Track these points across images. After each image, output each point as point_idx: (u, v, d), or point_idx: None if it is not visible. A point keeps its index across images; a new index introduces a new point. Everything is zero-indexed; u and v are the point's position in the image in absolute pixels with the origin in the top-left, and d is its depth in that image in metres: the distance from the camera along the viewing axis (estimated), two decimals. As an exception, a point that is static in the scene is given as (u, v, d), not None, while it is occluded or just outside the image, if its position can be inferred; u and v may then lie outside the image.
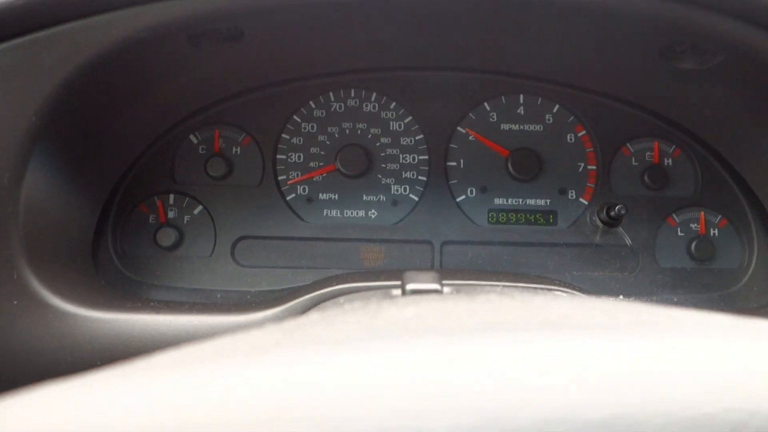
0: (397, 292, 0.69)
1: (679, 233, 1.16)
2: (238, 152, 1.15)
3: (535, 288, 0.86)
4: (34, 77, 0.76)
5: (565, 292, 0.87)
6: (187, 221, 1.11)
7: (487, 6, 0.89)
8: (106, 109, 0.90)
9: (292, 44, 1.00)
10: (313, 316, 0.44)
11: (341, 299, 0.77)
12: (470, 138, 1.17)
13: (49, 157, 0.82)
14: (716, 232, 1.16)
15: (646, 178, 1.16)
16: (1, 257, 0.77)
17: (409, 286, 0.63)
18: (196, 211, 1.12)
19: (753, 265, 1.13)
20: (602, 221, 1.13)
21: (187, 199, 1.12)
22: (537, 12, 0.89)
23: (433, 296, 0.48)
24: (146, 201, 1.11)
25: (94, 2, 0.75)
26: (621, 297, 1.10)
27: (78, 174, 0.91)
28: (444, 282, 0.70)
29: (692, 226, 1.16)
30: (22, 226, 0.78)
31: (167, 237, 1.09)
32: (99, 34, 0.76)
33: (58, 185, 0.86)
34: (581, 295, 0.81)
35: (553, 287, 0.87)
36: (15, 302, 0.78)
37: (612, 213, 1.09)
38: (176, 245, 1.09)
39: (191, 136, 1.14)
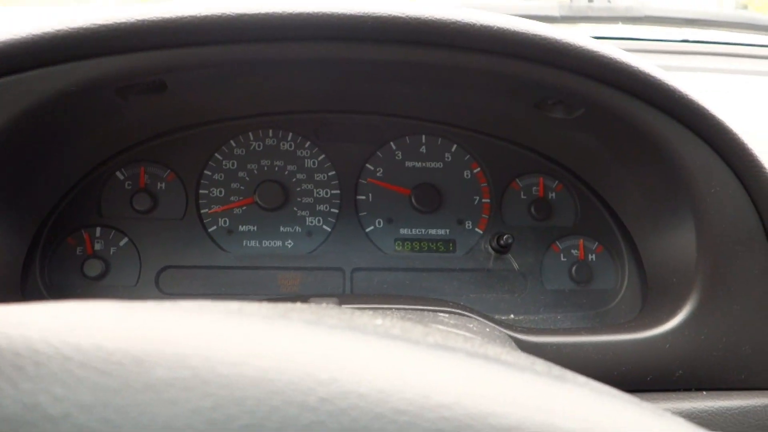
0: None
1: (562, 258, 1.31)
2: (163, 187, 1.23)
3: (434, 311, 0.98)
4: None
5: (459, 314, 1.01)
6: (113, 252, 1.19)
7: (385, 64, 1.02)
8: (37, 152, 0.98)
9: (212, 92, 1.10)
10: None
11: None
12: (378, 174, 1.30)
13: (-19, 198, 0.89)
14: (594, 257, 1.32)
15: (532, 209, 1.31)
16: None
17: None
18: (121, 243, 1.19)
19: (624, 286, 1.30)
20: (494, 249, 1.28)
21: (114, 231, 1.19)
22: (428, 69, 1.03)
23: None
24: (74, 234, 1.17)
25: (29, 58, 0.84)
26: (511, 316, 1.24)
27: (8, 210, 0.98)
28: (345, 307, 0.82)
29: (573, 252, 1.32)
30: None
31: (94, 268, 1.15)
32: (35, 87, 0.84)
33: (-11, 222, 0.93)
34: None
35: (448, 309, 1.00)
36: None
37: (501, 241, 1.24)
38: (102, 275, 1.16)
39: (117, 173, 1.21)
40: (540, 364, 0.40)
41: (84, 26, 0.84)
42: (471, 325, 0.88)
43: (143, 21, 0.84)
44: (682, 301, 1.08)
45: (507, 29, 0.93)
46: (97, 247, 1.18)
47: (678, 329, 1.06)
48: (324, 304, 0.51)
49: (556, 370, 0.39)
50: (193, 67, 0.91)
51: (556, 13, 1.94)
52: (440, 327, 0.72)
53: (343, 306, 0.88)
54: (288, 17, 0.88)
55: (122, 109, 1.04)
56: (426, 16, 0.92)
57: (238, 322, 0.36)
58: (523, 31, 0.93)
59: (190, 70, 0.93)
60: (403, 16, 0.91)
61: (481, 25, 0.93)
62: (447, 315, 0.92)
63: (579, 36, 0.96)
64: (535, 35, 0.94)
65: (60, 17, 0.85)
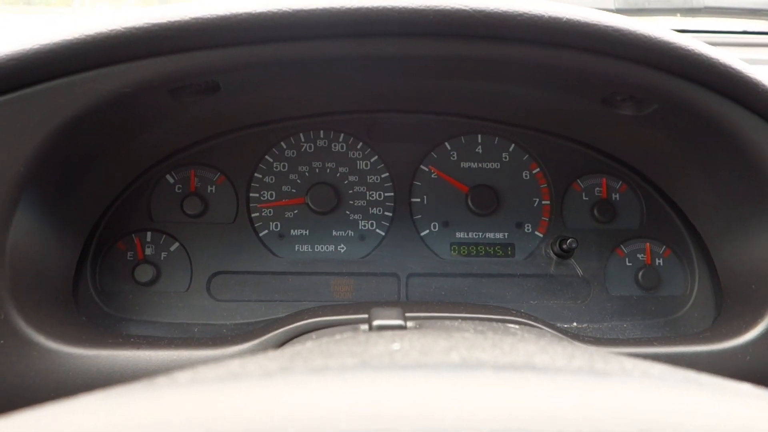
0: (365, 327, 0.76)
1: (627, 263, 1.24)
2: (213, 191, 1.20)
3: (498, 320, 0.93)
4: (25, 130, 0.81)
5: (524, 323, 0.95)
6: (164, 257, 1.16)
7: (444, 60, 0.97)
8: (88, 156, 0.96)
9: (264, 93, 1.07)
10: (309, 344, 0.49)
11: (313, 334, 0.84)
12: (432, 176, 1.25)
13: (35, 203, 0.87)
14: (661, 261, 1.25)
15: (595, 212, 1.25)
16: (-11, 299, 0.81)
17: (376, 323, 0.69)
18: (172, 248, 1.17)
19: (695, 292, 1.22)
20: (555, 253, 1.21)
21: (164, 236, 1.17)
22: (489, 65, 0.98)
23: (415, 331, 0.54)
24: (124, 239, 1.16)
25: (82, 60, 0.81)
26: (574, 324, 1.18)
27: (60, 216, 0.96)
28: (408, 315, 0.77)
29: (639, 256, 1.25)
30: (9, 269, 0.83)
31: (145, 273, 1.13)
32: (86, 90, 0.82)
33: (42, 228, 0.91)
34: (542, 330, 0.88)
35: (513, 318, 0.95)
36: (1, 341, 0.82)
37: (564, 246, 1.18)
38: (153, 281, 1.14)
39: (168, 176, 1.19)
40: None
41: (137, 26, 0.81)
42: (544, 338, 0.82)
43: (197, 19, 0.81)
44: (764, 309, 1.01)
45: (579, 20, 0.87)
46: (148, 251, 1.16)
47: (759, 340, 0.99)
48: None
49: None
50: (247, 66, 0.87)
51: (611, 5, 1.87)
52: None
53: (407, 314, 0.83)
54: (347, 12, 0.84)
55: (174, 111, 1.01)
56: (491, 8, 0.87)
57: None
58: (596, 22, 0.87)
59: (244, 70, 0.90)
60: (466, 8, 0.86)
61: (550, 17, 0.87)
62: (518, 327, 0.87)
63: (655, 27, 0.90)
64: (609, 26, 0.88)
65: (112, 17, 0.82)
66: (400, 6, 0.85)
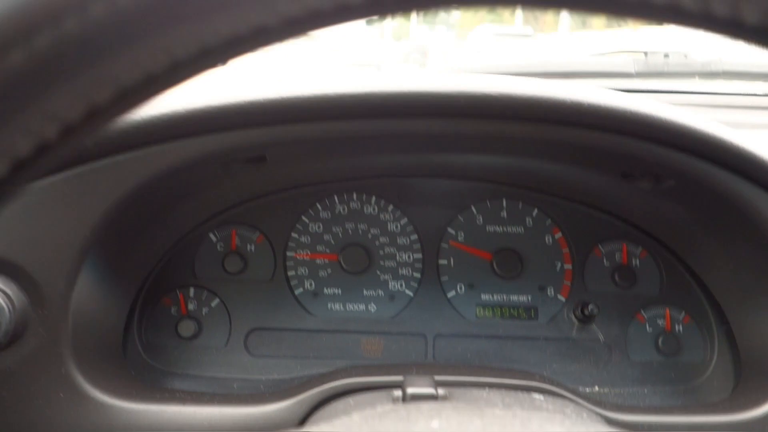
0: (398, 392, 0.81)
1: (648, 328, 1.28)
2: (252, 249, 1.28)
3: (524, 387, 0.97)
4: (94, 198, 0.89)
5: (548, 390, 0.99)
6: (205, 313, 1.23)
7: (473, 137, 1.04)
8: (142, 221, 1.04)
9: (305, 161, 1.15)
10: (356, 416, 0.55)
11: (351, 400, 0.89)
12: (459, 239, 1.31)
13: (95, 265, 0.94)
14: (681, 327, 1.28)
15: (616, 277, 1.29)
16: (52, 355, 0.88)
17: (410, 391, 0.75)
18: (213, 304, 1.24)
19: (714, 360, 1.25)
20: (577, 318, 1.26)
21: (206, 292, 1.24)
22: (513, 142, 1.05)
23: (450, 406, 0.59)
24: (169, 294, 1.23)
25: (145, 137, 0.90)
26: (596, 388, 1.21)
27: (115, 275, 1.03)
28: (438, 379, 0.83)
29: (659, 321, 1.28)
30: (71, 327, 0.90)
31: (187, 328, 1.20)
32: (148, 164, 0.90)
33: (100, 287, 0.98)
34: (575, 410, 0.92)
35: (537, 385, 0.99)
36: (61, 395, 0.89)
37: (586, 311, 1.22)
38: (195, 335, 1.21)
39: (210, 234, 1.27)
40: None
41: (195, 108, 0.89)
42: (568, 410, 0.87)
43: (253, 102, 0.89)
44: (783, 379, 1.04)
45: (599, 105, 0.94)
46: (191, 307, 1.23)
47: (778, 412, 1.02)
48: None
49: None
50: (298, 141, 0.96)
51: (631, 69, 1.94)
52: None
53: (435, 378, 0.89)
54: (388, 97, 0.92)
55: (222, 178, 1.09)
56: (518, 93, 0.94)
57: None
58: (615, 106, 0.94)
59: (293, 145, 0.98)
60: (496, 94, 0.94)
61: (572, 102, 0.94)
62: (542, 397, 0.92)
63: (676, 111, 0.96)
64: (627, 110, 0.94)
65: (169, 100, 0.91)
66: (437, 92, 0.93)
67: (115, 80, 0.30)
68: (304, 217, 1.30)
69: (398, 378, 0.91)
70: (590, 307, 1.22)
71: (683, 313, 1.29)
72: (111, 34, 0.29)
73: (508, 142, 1.05)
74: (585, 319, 1.25)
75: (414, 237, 1.31)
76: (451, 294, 1.29)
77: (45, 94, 0.29)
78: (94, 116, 0.31)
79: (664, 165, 1.02)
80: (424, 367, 0.98)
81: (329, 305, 1.27)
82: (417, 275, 1.29)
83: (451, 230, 1.32)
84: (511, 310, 1.29)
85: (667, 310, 1.29)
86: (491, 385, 0.94)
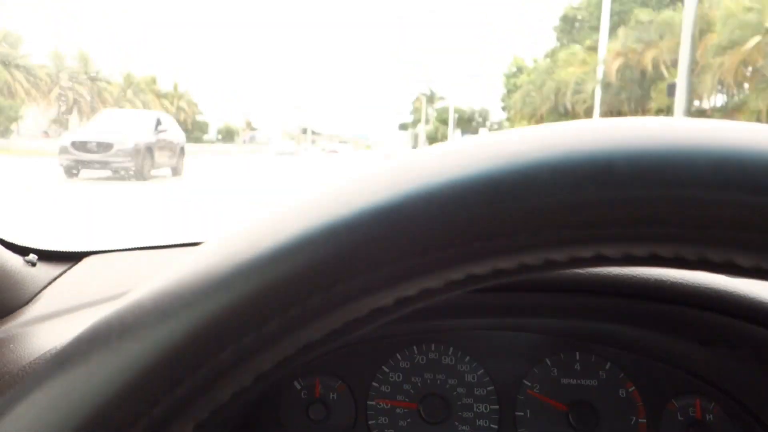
0: None
1: None
2: (335, 397, 1.33)
3: None
4: None
5: None
6: None
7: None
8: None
9: (392, 321, 1.22)
10: None
11: None
12: (535, 390, 1.35)
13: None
14: (759, 486, 1.28)
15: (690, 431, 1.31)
16: None
17: None
18: (299, 454, 1.28)
19: None
20: (657, 476, 1.27)
21: None
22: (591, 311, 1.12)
23: None
24: (257, 443, 1.27)
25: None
26: None
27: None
28: None
29: (737, 480, 1.29)
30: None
31: (278, 479, 1.23)
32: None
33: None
34: None
35: None
36: None
37: (664, 468, 1.24)
38: (285, 488, 1.24)
39: (295, 383, 1.32)
40: None
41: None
42: None
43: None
44: None
45: (689, 285, 1.01)
46: (278, 458, 1.27)
47: None
48: None
49: None
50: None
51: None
52: None
53: None
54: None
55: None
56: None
57: None
58: (707, 286, 1.01)
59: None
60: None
61: (672, 282, 1.01)
62: None
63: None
64: (713, 288, 1.01)
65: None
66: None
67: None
68: (384, 367, 1.35)
69: None
70: (671, 466, 1.23)
71: (761, 471, 1.29)
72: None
73: (594, 311, 1.12)
74: (665, 478, 1.26)
75: (491, 388, 1.35)
76: (528, 446, 1.31)
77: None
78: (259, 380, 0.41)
79: (741, 336, 1.07)
80: None
81: None
82: (494, 426, 1.32)
83: (526, 382, 1.35)
84: (589, 465, 1.30)
85: (745, 468, 1.29)
86: None
